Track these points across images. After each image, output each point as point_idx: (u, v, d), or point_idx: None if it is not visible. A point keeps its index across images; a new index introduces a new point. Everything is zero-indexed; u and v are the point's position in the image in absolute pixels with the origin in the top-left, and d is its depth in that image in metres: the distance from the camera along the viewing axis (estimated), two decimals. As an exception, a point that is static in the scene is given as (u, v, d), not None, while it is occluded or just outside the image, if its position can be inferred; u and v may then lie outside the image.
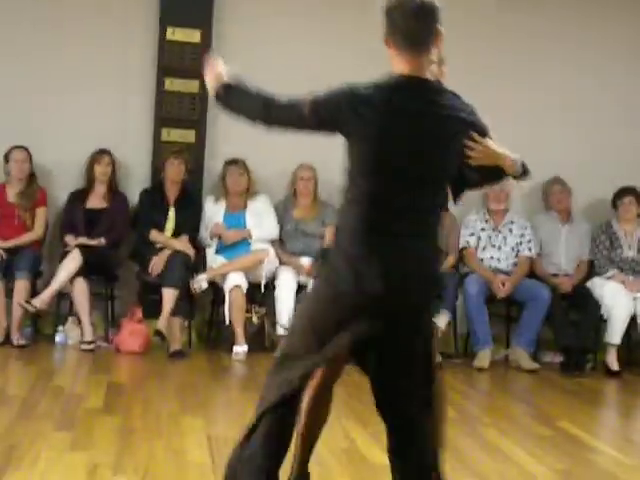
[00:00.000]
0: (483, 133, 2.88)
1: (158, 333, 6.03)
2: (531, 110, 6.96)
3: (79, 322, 6.12)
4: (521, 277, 6.60)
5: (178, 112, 6.62)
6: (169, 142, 6.65)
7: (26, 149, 6.32)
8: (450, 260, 6.65)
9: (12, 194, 6.34)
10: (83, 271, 6.05)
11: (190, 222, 6.47)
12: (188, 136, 6.68)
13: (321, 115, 2.81)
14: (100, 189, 6.46)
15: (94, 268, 6.16)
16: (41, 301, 5.97)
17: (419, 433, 2.96)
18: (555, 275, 6.72)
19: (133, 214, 6.54)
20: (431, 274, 2.89)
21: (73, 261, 6.04)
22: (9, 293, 6.04)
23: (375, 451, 4.14)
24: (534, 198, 7.05)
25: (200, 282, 6.22)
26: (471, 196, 6.75)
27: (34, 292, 6.10)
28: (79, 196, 6.45)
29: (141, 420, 4.41)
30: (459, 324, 6.66)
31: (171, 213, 6.49)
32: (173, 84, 6.60)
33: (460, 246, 6.71)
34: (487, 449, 4.36)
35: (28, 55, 6.44)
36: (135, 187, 6.62)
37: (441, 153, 2.83)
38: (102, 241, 6.29)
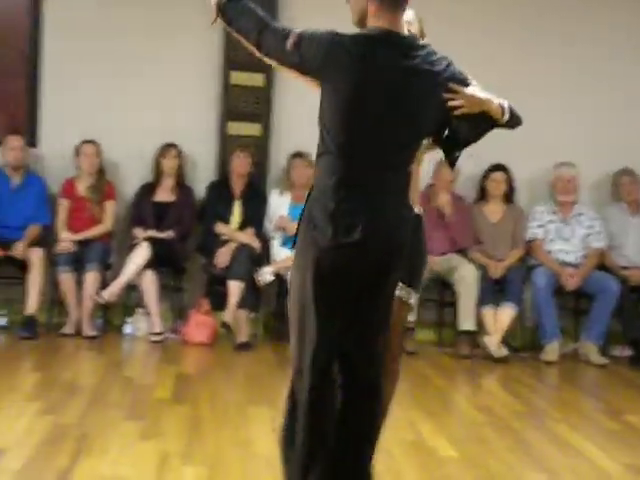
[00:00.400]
0: (464, 84, 2.90)
1: (225, 325, 6.09)
2: (596, 106, 6.87)
3: (148, 314, 6.21)
4: (590, 269, 6.49)
5: (244, 106, 6.67)
6: (235, 136, 6.70)
7: (96, 144, 6.42)
8: (517, 252, 6.58)
9: (82, 188, 6.45)
10: (152, 263, 6.14)
11: (256, 215, 6.51)
12: (253, 129, 6.72)
13: (302, 51, 2.81)
14: (168, 182, 6.54)
15: (162, 260, 6.24)
16: (110, 293, 6.07)
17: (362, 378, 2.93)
18: (625, 267, 6.59)
19: (200, 207, 6.61)
20: (399, 233, 2.86)
21: (142, 253, 6.14)
22: (80, 285, 6.16)
23: (442, 443, 4.13)
24: (603, 189, 6.93)
25: (265, 274, 6.25)
26: (538, 187, 6.80)
27: (104, 284, 6.20)
28: (148, 189, 6.54)
29: (209, 410, 4.46)
30: (526, 317, 6.58)
31: (237, 206, 6.54)
32: (239, 78, 6.65)
33: (527, 238, 6.63)
34: (557, 444, 4.30)
35: (97, 51, 6.55)
36: (202, 180, 6.68)
37: (417, 107, 2.83)
38: (170, 234, 6.37)
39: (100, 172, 6.47)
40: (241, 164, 6.51)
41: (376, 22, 2.83)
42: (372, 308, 2.88)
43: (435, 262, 6.38)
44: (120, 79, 6.57)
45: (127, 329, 6.27)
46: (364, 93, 2.76)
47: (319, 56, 2.78)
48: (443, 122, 2.92)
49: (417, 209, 3.09)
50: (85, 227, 6.37)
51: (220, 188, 6.57)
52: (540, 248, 6.57)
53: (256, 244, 6.36)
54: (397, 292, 3.04)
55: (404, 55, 2.80)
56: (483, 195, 6.73)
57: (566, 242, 6.59)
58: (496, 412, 4.81)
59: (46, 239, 6.28)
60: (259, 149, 6.71)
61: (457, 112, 2.87)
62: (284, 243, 6.45)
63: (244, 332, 6.12)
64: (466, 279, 6.33)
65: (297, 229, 2.89)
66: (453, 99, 2.85)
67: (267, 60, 2.95)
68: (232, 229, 6.47)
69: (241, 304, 6.13)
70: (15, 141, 6.30)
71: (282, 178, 6.69)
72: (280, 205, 6.55)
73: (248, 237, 6.38)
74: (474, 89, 2.92)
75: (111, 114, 6.56)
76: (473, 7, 6.76)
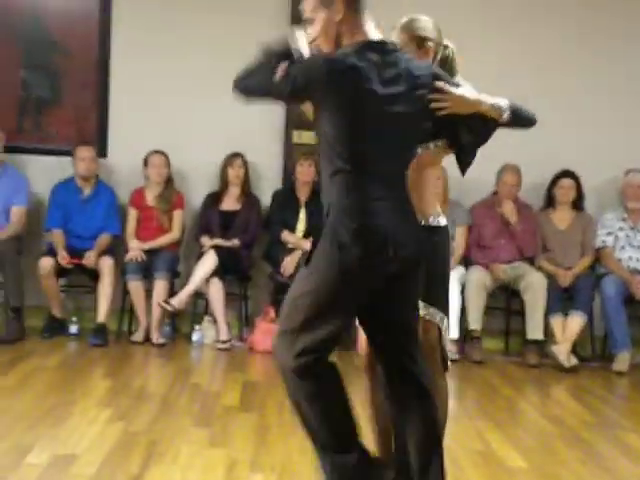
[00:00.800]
0: (450, 85, 2.91)
1: (291, 333, 6.10)
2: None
3: (214, 321, 6.27)
4: (661, 277, 6.37)
5: (308, 113, 6.68)
6: (300, 144, 6.75)
7: (164, 154, 6.52)
8: (586, 260, 6.48)
9: (151, 197, 6.55)
10: (218, 271, 6.21)
11: (321, 223, 6.51)
12: (318, 138, 6.75)
13: (297, 83, 2.79)
14: (234, 191, 6.60)
15: (228, 268, 6.30)
16: (179, 301, 6.15)
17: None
18: (699, 275, 6.44)
19: (265, 215, 6.66)
20: (417, 234, 2.91)
21: (209, 262, 6.20)
22: (149, 293, 6.25)
23: (510, 453, 4.09)
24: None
25: (331, 282, 6.25)
26: (607, 194, 6.68)
27: (172, 292, 6.29)
28: (214, 198, 6.61)
29: (276, 418, 4.48)
30: (596, 326, 6.48)
31: (302, 214, 6.57)
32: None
33: (596, 246, 6.52)
34: (629, 455, 4.22)
35: (166, 64, 6.64)
36: (267, 189, 6.73)
37: (411, 113, 2.83)
38: (236, 242, 6.43)
39: (168, 182, 6.56)
40: (305, 172, 6.55)
41: (352, 38, 2.84)
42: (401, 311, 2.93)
43: (501, 270, 6.32)
44: (187, 90, 6.65)
45: (195, 337, 6.33)
46: (362, 107, 2.76)
47: (315, 84, 2.78)
48: (438, 123, 2.93)
49: (441, 218, 3.10)
50: (154, 236, 6.46)
51: (285, 196, 6.62)
52: (610, 256, 6.46)
53: (322, 252, 6.37)
54: (421, 312, 3.03)
55: (389, 62, 2.81)
56: (551, 202, 6.65)
57: (636, 250, 6.47)
58: (566, 422, 4.74)
59: (116, 248, 6.40)
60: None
61: (443, 112, 2.89)
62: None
63: (310, 340, 6.13)
64: (534, 287, 6.26)
65: (313, 249, 2.87)
66: (437, 100, 2.87)
67: (251, 100, 3.01)
68: (298, 237, 6.50)
69: (307, 312, 6.14)
70: (86, 152, 6.42)
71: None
72: (345, 213, 6.55)
73: (314, 245, 6.39)
74: (463, 90, 2.93)
75: (179, 125, 6.65)
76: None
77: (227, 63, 6.58)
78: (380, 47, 2.83)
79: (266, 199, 6.69)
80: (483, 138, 3.04)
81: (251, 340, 6.21)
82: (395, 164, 2.86)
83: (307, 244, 6.40)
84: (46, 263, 6.11)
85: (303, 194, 6.59)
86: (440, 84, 2.88)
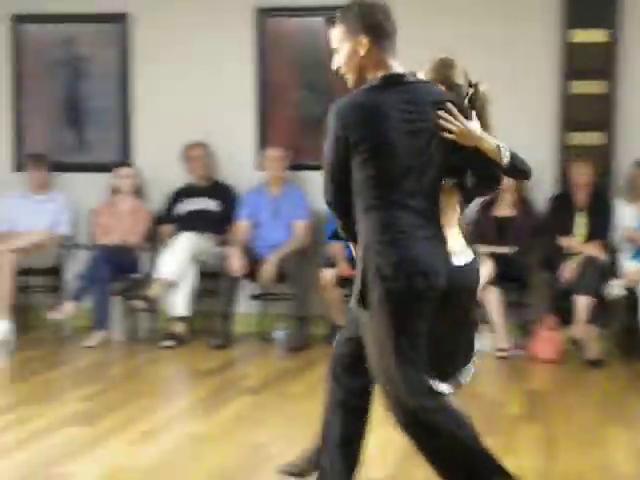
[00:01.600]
0: (463, 113, 2.89)
1: (573, 341, 5.93)
2: None
3: (492, 329, 6.21)
4: None
5: (584, 115, 6.48)
6: (575, 146, 6.54)
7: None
8: None
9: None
10: (495, 279, 6.15)
11: (601, 226, 6.29)
12: (595, 138, 6.51)
13: (341, 157, 2.85)
14: (508, 197, 6.51)
15: (505, 276, 6.22)
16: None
17: None
18: None
19: (541, 221, 6.51)
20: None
21: (485, 270, 6.15)
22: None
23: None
24: None
25: (614, 288, 6.01)
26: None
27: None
28: (488, 205, 6.57)
29: (563, 429, 4.36)
30: None
31: (581, 218, 6.36)
32: (579, 87, 6.48)
33: None
34: None
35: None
36: (542, 193, 6.59)
37: (434, 144, 2.87)
38: (511, 249, 6.34)
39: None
40: (581, 175, 6.34)
41: (376, 71, 2.89)
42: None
43: None
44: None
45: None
46: (395, 142, 2.81)
47: (348, 144, 2.82)
48: (454, 154, 2.91)
49: (467, 256, 3.03)
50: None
51: (562, 200, 6.44)
52: None
53: (603, 257, 6.14)
54: None
55: (412, 96, 2.86)
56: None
57: None
58: None
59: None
60: (602, 158, 6.48)
61: (446, 134, 2.87)
62: (634, 256, 6.16)
63: (594, 349, 5.91)
64: None
65: (363, 288, 2.88)
66: (447, 120, 2.85)
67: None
68: (577, 242, 6.30)
69: (590, 319, 5.94)
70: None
71: (627, 187, 6.41)
72: (627, 216, 6.28)
73: (594, 250, 6.18)
74: (471, 124, 2.88)
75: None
76: None
77: (499, 61, 6.56)
78: (399, 79, 2.88)
79: (541, 204, 6.55)
80: (486, 187, 3.09)
81: (531, 348, 6.09)
82: (427, 197, 2.89)
83: (588, 249, 6.19)
84: (327, 274, 6.35)
85: (580, 197, 6.38)
86: (452, 108, 2.86)
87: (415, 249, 2.85)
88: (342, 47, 2.94)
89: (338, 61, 2.97)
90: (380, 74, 2.90)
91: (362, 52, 2.90)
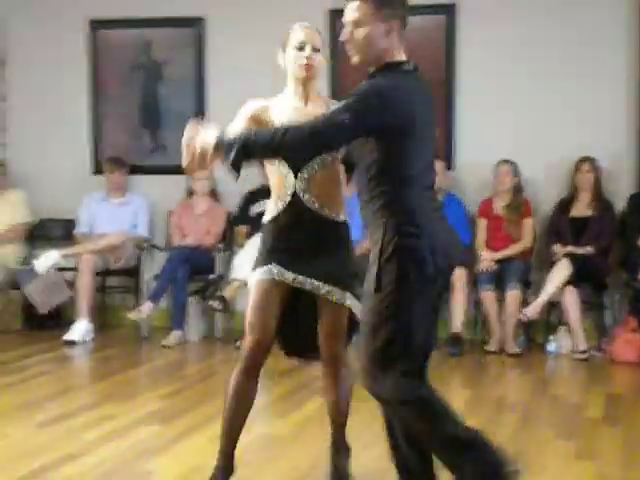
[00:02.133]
0: None
1: (655, 343, 5.79)
2: None
3: (570, 331, 6.12)
4: None
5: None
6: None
7: (511, 163, 6.49)
8: None
9: (499, 207, 6.55)
10: (572, 280, 6.05)
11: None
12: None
13: (368, 123, 2.78)
14: (585, 197, 6.41)
15: (583, 276, 6.12)
16: (532, 310, 6.08)
17: None
18: None
19: (620, 221, 6.39)
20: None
21: (562, 270, 6.07)
22: (501, 303, 6.25)
23: None
24: None
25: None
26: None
27: (525, 302, 6.23)
28: (564, 205, 6.47)
29: (645, 433, 4.27)
30: None
31: (661, 217, 6.22)
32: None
33: None
34: None
35: (510, 69, 6.63)
36: (621, 193, 6.46)
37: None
38: (589, 249, 6.23)
39: (516, 190, 6.52)
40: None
41: (399, 54, 2.90)
42: None
43: None
44: (534, 96, 6.58)
45: (550, 347, 6.22)
46: (423, 126, 2.87)
47: (384, 118, 2.78)
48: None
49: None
50: (503, 245, 6.46)
51: (641, 200, 6.30)
52: None
53: (685, 257, 5.99)
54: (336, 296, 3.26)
55: (425, 85, 2.97)
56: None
57: None
58: None
59: (467, 259, 6.46)
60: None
61: None
62: None
63: (676, 351, 5.78)
64: None
65: (379, 271, 2.84)
66: None
67: (324, 151, 3.04)
68: (657, 242, 6.16)
69: (671, 321, 5.81)
70: (438, 166, 6.53)
71: None
72: None
73: (676, 250, 6.03)
74: None
75: (526, 132, 6.60)
76: None
77: (580, 69, 6.48)
78: (417, 69, 2.94)
79: (620, 204, 6.42)
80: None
81: (611, 350, 5.97)
82: (432, 176, 2.99)
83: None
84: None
85: (660, 196, 6.24)
86: None
87: (438, 229, 2.91)
88: (365, 25, 2.86)
89: (352, 37, 2.89)
90: (397, 59, 2.91)
91: (392, 36, 2.88)
